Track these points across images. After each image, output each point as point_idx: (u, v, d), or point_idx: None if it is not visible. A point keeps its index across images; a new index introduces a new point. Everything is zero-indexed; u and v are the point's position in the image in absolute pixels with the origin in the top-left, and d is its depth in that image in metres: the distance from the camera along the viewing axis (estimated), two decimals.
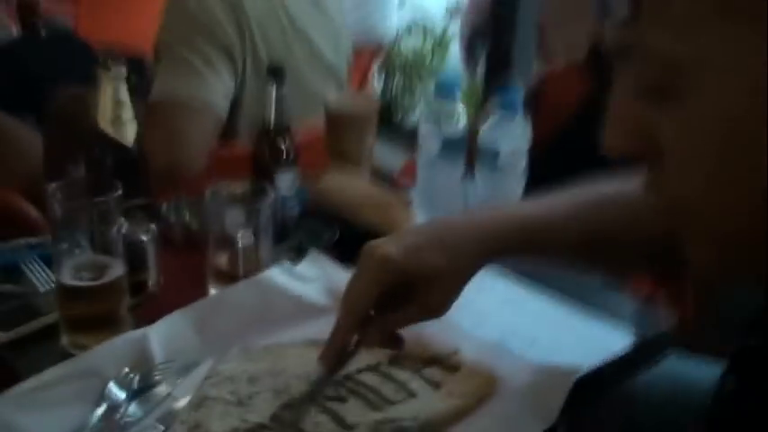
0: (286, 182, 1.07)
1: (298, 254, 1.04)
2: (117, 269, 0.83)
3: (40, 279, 0.95)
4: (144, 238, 0.83)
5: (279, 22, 1.41)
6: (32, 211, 0.96)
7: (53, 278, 0.92)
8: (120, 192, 0.81)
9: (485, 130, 1.09)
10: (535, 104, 1.19)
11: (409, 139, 1.52)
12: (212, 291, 0.94)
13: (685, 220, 0.47)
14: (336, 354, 0.74)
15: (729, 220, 0.45)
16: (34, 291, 0.93)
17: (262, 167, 1.06)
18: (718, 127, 0.43)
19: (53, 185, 0.80)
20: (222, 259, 0.94)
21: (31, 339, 0.87)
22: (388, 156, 1.38)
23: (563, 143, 1.28)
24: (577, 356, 0.89)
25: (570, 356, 0.88)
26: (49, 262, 0.91)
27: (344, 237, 1.10)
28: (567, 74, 1.41)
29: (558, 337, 0.91)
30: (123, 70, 0.88)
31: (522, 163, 1.08)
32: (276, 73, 1.04)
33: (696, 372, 0.85)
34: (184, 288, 0.95)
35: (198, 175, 1.21)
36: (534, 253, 0.75)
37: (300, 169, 1.10)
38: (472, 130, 1.13)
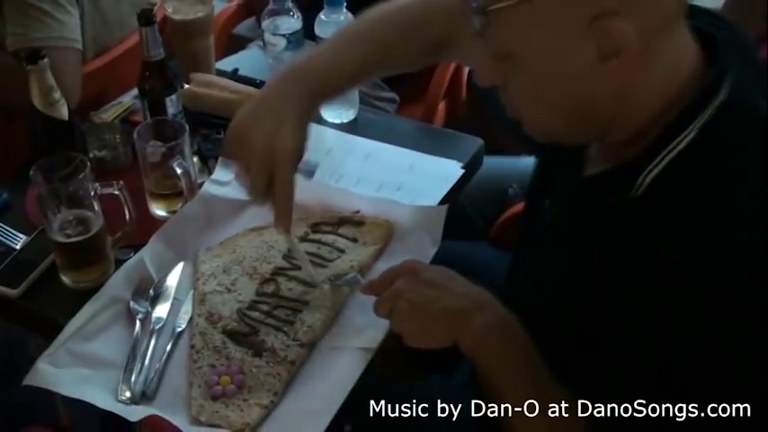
0: (173, 102, 1.29)
1: (202, 159, 1.30)
2: (98, 221, 1.06)
3: (10, 239, 1.15)
4: (116, 192, 1.05)
5: None
6: None
7: (19, 234, 1.14)
8: (88, 167, 1.02)
9: (317, 22, 1.35)
10: None
11: None
12: (156, 211, 1.20)
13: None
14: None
15: (546, 129, 0.82)
16: (12, 249, 1.13)
17: (153, 98, 1.27)
18: (539, 85, 0.78)
19: (35, 166, 1.01)
20: (155, 183, 1.19)
21: (35, 287, 1.09)
22: None
23: None
24: (431, 189, 1.27)
25: (427, 190, 1.26)
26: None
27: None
28: None
29: (415, 178, 1.28)
30: (46, 61, 1.04)
31: None
32: (145, 15, 1.21)
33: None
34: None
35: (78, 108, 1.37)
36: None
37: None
38: None
